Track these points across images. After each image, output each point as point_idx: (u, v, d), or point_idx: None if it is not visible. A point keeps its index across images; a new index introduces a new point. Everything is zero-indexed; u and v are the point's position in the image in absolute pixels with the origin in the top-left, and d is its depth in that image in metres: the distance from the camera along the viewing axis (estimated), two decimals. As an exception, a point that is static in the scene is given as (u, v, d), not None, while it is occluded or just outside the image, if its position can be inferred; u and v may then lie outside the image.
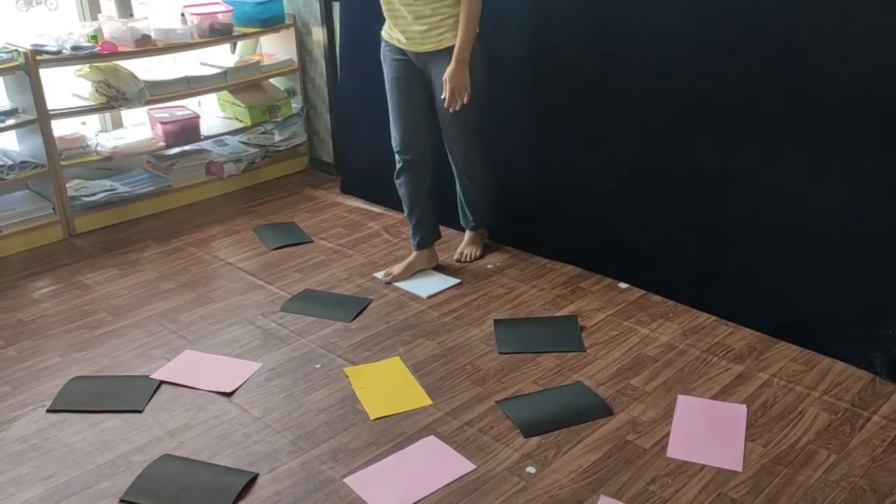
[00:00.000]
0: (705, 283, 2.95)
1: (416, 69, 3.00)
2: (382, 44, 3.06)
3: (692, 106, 2.79)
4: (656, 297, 3.06)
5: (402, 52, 2.98)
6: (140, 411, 2.49)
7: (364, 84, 3.74)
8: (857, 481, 2.13)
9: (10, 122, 3.47)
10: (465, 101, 2.88)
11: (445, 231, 3.60)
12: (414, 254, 3.31)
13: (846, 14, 2.39)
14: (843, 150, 2.50)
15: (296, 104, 4.42)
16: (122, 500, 2.14)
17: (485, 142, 3.17)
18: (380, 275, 3.28)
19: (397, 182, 3.23)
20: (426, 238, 3.30)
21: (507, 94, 3.31)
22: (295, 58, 4.30)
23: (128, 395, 2.56)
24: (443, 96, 2.89)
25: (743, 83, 2.65)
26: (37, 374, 2.69)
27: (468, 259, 3.40)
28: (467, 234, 3.45)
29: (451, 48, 2.85)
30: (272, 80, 4.36)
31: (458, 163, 3.20)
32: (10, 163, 3.51)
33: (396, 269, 3.27)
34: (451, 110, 2.91)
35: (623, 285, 3.16)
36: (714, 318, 2.91)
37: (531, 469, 2.21)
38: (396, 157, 3.17)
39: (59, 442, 2.37)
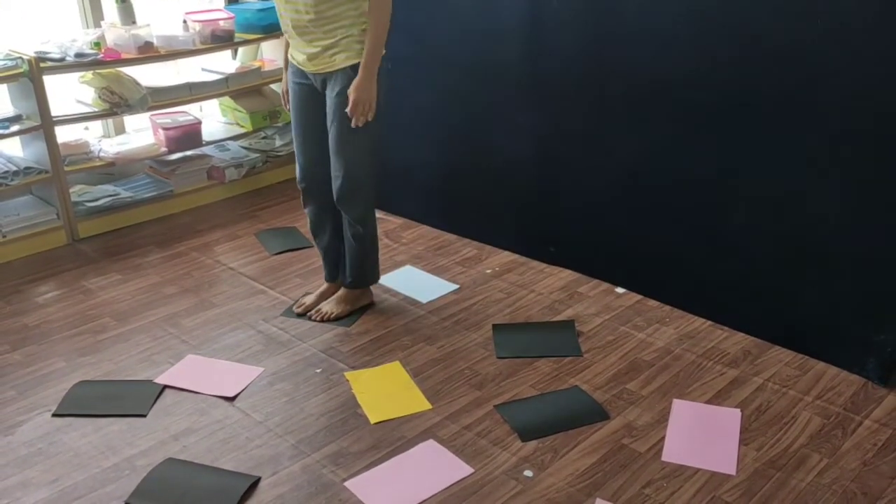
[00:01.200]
0: (701, 288, 2.99)
1: (317, 92, 2.79)
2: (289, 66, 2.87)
3: (690, 112, 2.82)
4: (652, 302, 3.10)
5: (304, 74, 2.79)
6: (144, 415, 2.52)
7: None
8: (848, 485, 2.17)
9: (15, 128, 3.50)
10: (369, 117, 2.68)
11: (441, 235, 3.64)
12: (325, 284, 3.16)
13: (846, 17, 2.40)
14: (838, 157, 2.53)
15: (296, 109, 4.46)
16: (126, 504, 2.18)
17: (375, 194, 2.95)
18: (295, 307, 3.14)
19: (305, 210, 3.06)
20: (330, 272, 3.13)
21: (506, 101, 3.34)
22: (296, 63, 4.33)
23: (132, 400, 2.60)
24: (347, 109, 2.66)
25: (741, 88, 2.67)
26: (42, 379, 2.73)
27: (318, 318, 3.03)
28: (341, 290, 3.11)
29: (343, 69, 2.69)
30: (273, 86, 4.39)
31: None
32: (15, 169, 3.55)
33: (309, 298, 3.14)
34: (353, 124, 2.68)
35: (620, 290, 3.20)
36: (709, 322, 2.95)
37: (528, 473, 2.24)
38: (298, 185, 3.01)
39: (65, 446, 2.40)
